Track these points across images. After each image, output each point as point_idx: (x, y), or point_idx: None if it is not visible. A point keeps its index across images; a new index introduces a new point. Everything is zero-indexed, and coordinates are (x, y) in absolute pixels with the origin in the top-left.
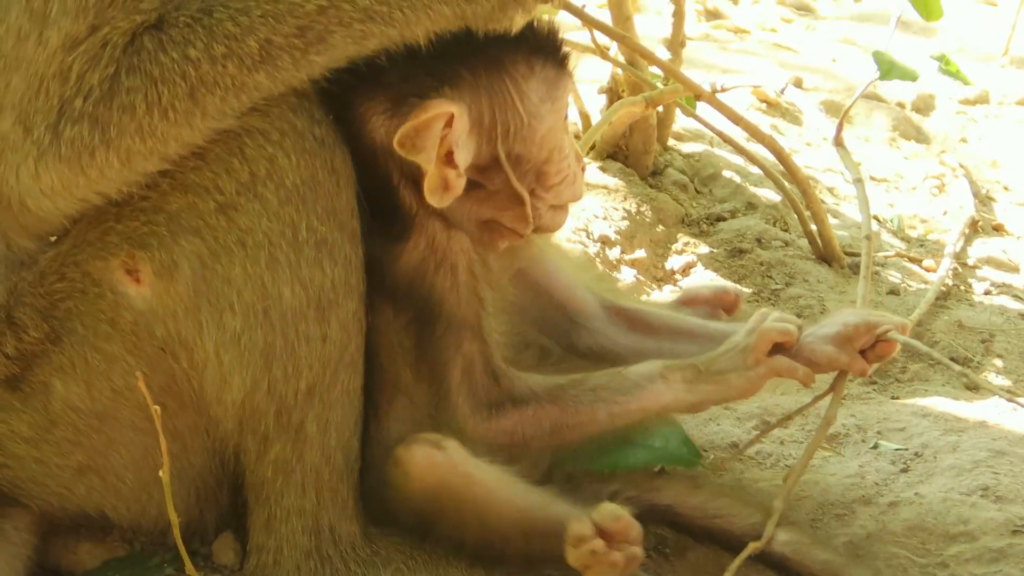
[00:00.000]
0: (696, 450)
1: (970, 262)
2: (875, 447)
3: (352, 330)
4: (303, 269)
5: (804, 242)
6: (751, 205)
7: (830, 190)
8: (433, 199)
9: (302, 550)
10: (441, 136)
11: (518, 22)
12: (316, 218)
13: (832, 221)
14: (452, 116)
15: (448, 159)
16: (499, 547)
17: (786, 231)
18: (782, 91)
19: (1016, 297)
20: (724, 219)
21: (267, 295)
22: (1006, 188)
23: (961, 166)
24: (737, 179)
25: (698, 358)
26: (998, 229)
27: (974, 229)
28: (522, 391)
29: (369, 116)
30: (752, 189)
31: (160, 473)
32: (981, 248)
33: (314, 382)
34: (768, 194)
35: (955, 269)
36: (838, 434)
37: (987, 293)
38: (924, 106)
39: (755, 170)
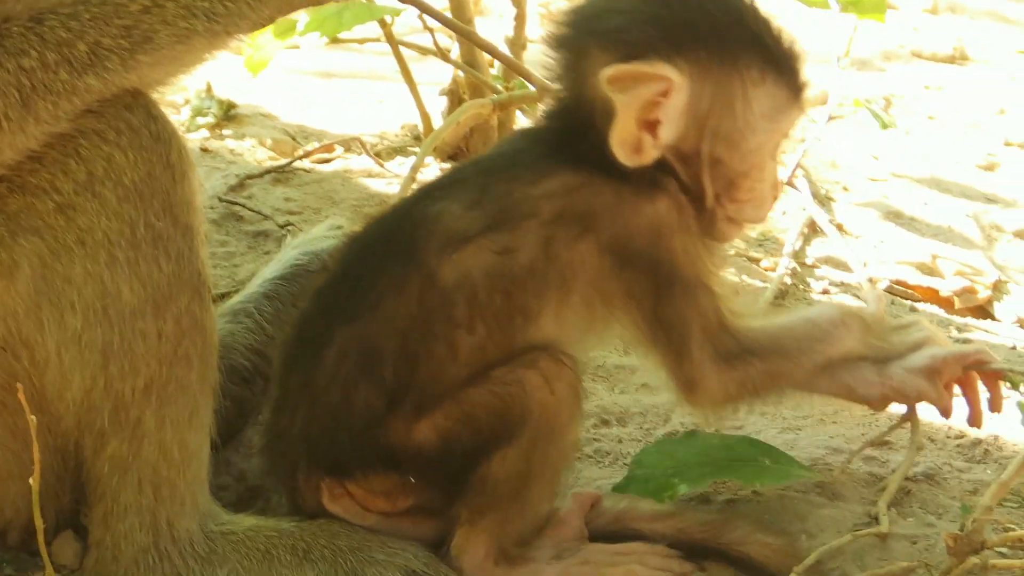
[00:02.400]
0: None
1: (809, 261)
2: None
3: (185, 325)
4: (141, 266)
5: None
6: None
7: None
8: (619, 150)
9: (139, 546)
10: (654, 101)
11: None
12: (153, 214)
13: None
14: (673, 86)
15: (650, 126)
16: None
17: None
18: None
19: (854, 295)
20: None
21: (106, 293)
22: (845, 189)
23: (800, 166)
24: None
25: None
26: (837, 229)
27: (813, 229)
28: (751, 342)
29: (599, 62)
30: None
31: (30, 480)
32: (820, 248)
33: (151, 379)
34: None
35: (794, 269)
36: (675, 431)
37: (825, 292)
38: None
39: None
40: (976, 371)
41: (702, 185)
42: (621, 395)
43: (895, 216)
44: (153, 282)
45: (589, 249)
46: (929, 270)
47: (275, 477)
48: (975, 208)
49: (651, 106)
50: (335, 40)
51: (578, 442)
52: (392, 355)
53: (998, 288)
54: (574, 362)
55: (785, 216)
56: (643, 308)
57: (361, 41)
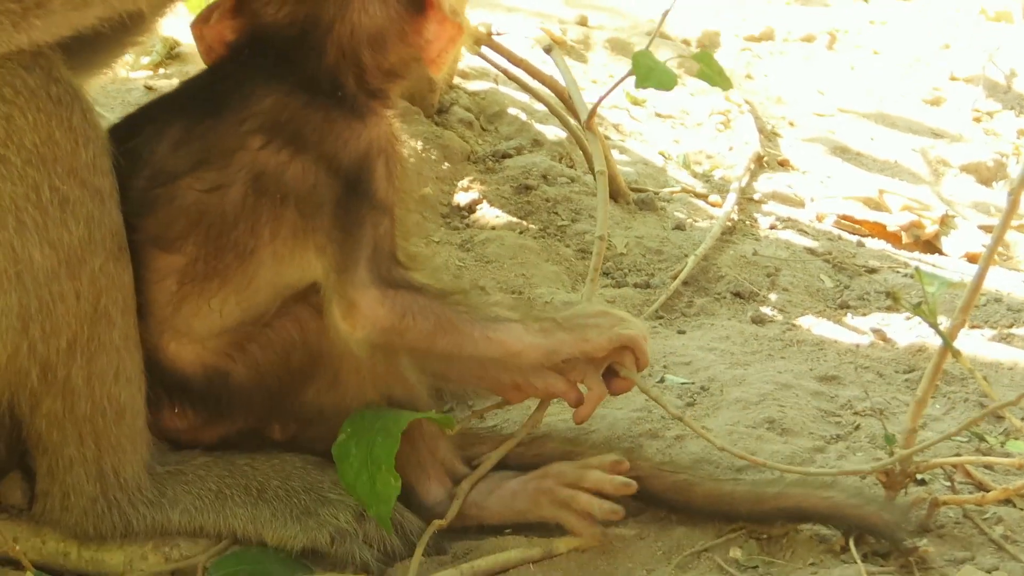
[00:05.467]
0: None
1: (756, 197)
2: (662, 380)
3: (102, 284)
4: (50, 230)
5: (590, 178)
6: (537, 142)
7: (616, 127)
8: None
9: (88, 496)
10: None
11: None
12: (57, 178)
13: (618, 157)
14: None
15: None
16: None
17: (572, 168)
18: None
19: (801, 232)
20: (510, 156)
21: (18, 259)
22: (791, 124)
23: (746, 102)
24: (523, 116)
25: (557, 312)
26: (783, 164)
27: (759, 164)
28: (417, 282)
29: None
30: (538, 127)
31: None
32: (766, 183)
33: (73, 338)
34: (554, 131)
35: (740, 204)
36: None
37: (772, 228)
38: (709, 43)
39: (540, 107)
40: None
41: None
42: None
43: (841, 151)
44: (64, 245)
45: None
46: (876, 205)
47: None
48: (921, 143)
49: None
50: None
51: None
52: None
53: (945, 223)
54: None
55: (732, 152)
56: (324, 220)
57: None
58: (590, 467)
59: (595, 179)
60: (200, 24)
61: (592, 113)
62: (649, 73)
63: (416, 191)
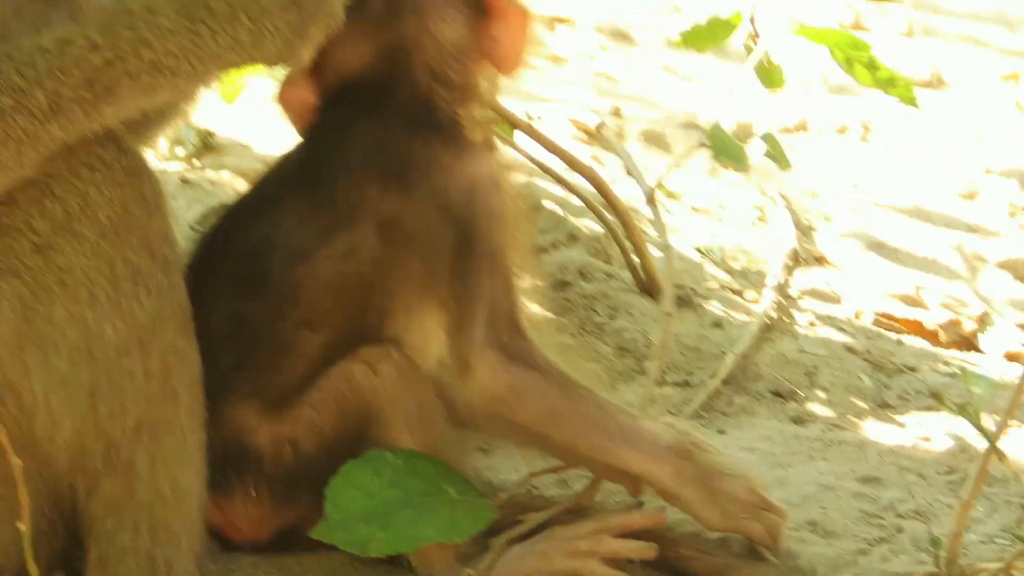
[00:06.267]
0: None
1: (793, 293)
2: None
3: (171, 360)
4: (122, 304)
5: (627, 274)
6: (573, 237)
7: (651, 221)
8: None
9: None
10: None
11: (305, 56)
12: (131, 250)
13: (654, 252)
14: None
15: None
16: None
17: (608, 263)
18: (598, 128)
19: (839, 329)
20: (546, 251)
21: (90, 334)
22: (827, 218)
23: (782, 196)
24: (558, 210)
25: (710, 459)
26: (820, 260)
27: (796, 260)
28: (539, 359)
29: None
30: (573, 220)
31: (19, 525)
32: (804, 279)
33: (140, 417)
34: (590, 225)
35: (778, 301)
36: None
37: (811, 325)
38: (744, 134)
39: (576, 201)
40: None
41: None
42: None
43: (878, 247)
44: (136, 319)
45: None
46: (914, 302)
47: None
48: (958, 238)
49: None
50: None
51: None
52: (227, 343)
53: (983, 320)
54: (400, 348)
55: (768, 247)
56: (444, 268)
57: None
58: (609, 526)
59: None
60: (283, 95)
61: (658, 184)
62: (723, 146)
63: (529, 244)
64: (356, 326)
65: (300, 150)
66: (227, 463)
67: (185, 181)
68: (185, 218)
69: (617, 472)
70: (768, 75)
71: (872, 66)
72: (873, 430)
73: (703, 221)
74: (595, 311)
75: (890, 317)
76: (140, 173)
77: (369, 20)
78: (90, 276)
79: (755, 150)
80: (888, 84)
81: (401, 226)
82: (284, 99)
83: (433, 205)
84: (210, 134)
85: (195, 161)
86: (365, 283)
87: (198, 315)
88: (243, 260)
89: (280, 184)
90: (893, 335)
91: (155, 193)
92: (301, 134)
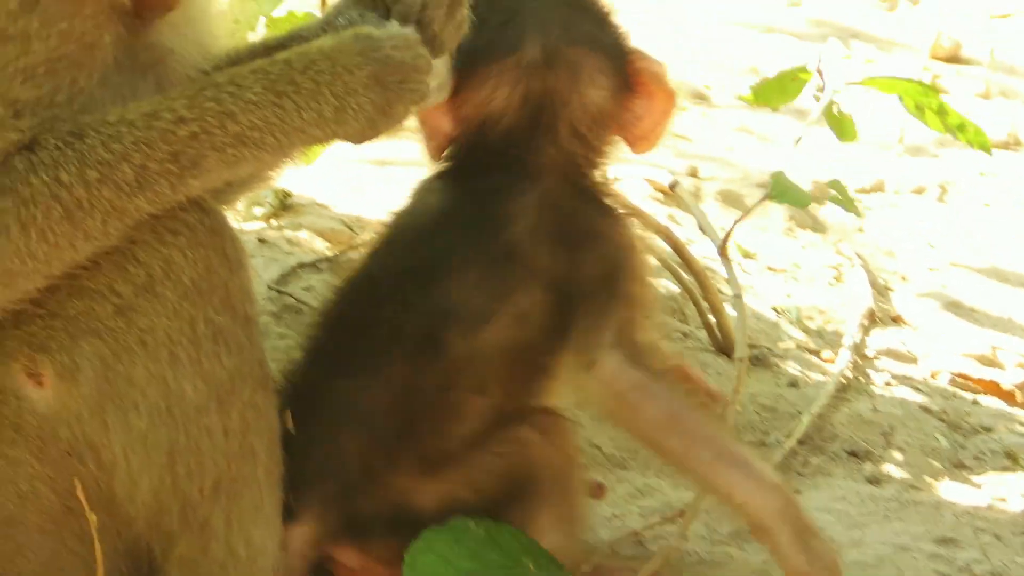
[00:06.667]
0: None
1: (869, 354)
2: None
3: (249, 418)
4: (203, 363)
5: (703, 334)
6: None
7: (727, 280)
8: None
9: None
10: None
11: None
12: (213, 309)
13: (730, 312)
14: None
15: None
16: None
17: (684, 323)
18: (672, 186)
19: (915, 389)
20: None
21: (170, 393)
22: (903, 278)
23: (858, 256)
24: None
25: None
26: (896, 320)
27: (872, 320)
28: (663, 373)
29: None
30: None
31: None
32: (880, 339)
33: (219, 476)
34: (666, 284)
35: (854, 361)
36: (743, 528)
37: (887, 385)
38: (820, 195)
39: (652, 260)
40: None
41: None
42: (685, 491)
43: (954, 306)
44: (216, 378)
45: None
46: (990, 362)
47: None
48: None
49: None
50: None
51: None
52: (391, 413)
53: None
54: (560, 413)
55: (844, 307)
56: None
57: (416, 129)
58: None
59: (734, 306)
60: (425, 116)
61: (727, 236)
62: (785, 192)
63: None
64: (521, 388)
65: (462, 211)
66: (384, 522)
67: (263, 240)
68: (263, 278)
69: (722, 494)
70: (840, 126)
71: (942, 112)
72: (949, 490)
73: (779, 281)
74: None
75: (966, 377)
76: (222, 232)
77: (523, 66)
78: (171, 336)
79: (831, 211)
80: (959, 129)
81: (567, 288)
82: (426, 121)
83: (595, 267)
84: (288, 194)
85: (273, 221)
86: (534, 345)
87: (356, 381)
88: (417, 330)
89: (449, 247)
90: (969, 395)
91: (237, 251)
92: (433, 157)
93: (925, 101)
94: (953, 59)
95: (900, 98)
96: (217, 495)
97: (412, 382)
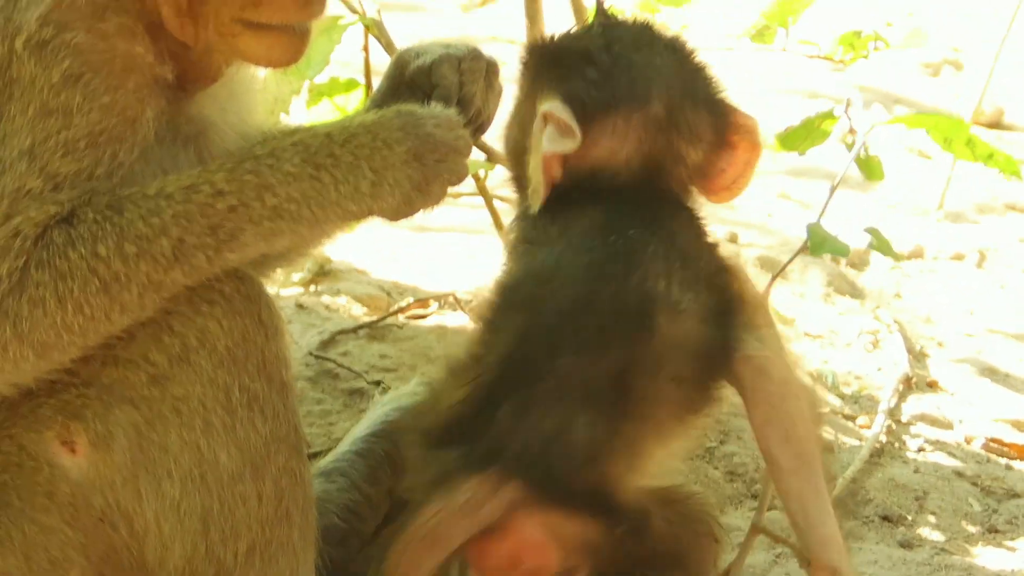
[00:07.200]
0: None
1: (904, 419)
2: None
3: (284, 483)
4: (238, 430)
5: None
6: None
7: None
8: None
9: None
10: None
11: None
12: (248, 376)
13: None
14: None
15: None
16: None
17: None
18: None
19: (949, 454)
20: None
21: (204, 460)
22: (940, 344)
23: (896, 322)
24: None
25: None
26: (932, 386)
27: (908, 386)
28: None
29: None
30: None
31: None
32: (915, 405)
33: (253, 542)
34: None
35: (889, 426)
36: None
37: (921, 450)
38: (859, 261)
39: None
40: None
41: None
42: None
43: (990, 372)
44: (250, 444)
45: None
46: None
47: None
48: None
49: None
50: None
51: None
52: (615, 392)
53: None
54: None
55: (880, 372)
56: None
57: (456, 196)
58: None
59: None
60: (548, 159)
61: (765, 299)
62: (823, 242)
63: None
64: (703, 383)
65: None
66: (587, 516)
67: (301, 306)
68: (300, 343)
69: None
70: (868, 167)
71: (971, 144)
72: (982, 555)
73: (816, 346)
74: (705, 435)
75: (1000, 442)
76: (258, 299)
77: (645, 124)
78: (206, 404)
79: (870, 277)
80: (987, 159)
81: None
82: (548, 164)
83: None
84: (327, 260)
85: (311, 286)
86: (711, 340)
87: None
88: (633, 309)
89: (642, 241)
90: (1003, 460)
91: (273, 318)
92: (535, 204)
93: (954, 134)
94: (995, 125)
95: (928, 132)
96: (251, 560)
97: (622, 367)
